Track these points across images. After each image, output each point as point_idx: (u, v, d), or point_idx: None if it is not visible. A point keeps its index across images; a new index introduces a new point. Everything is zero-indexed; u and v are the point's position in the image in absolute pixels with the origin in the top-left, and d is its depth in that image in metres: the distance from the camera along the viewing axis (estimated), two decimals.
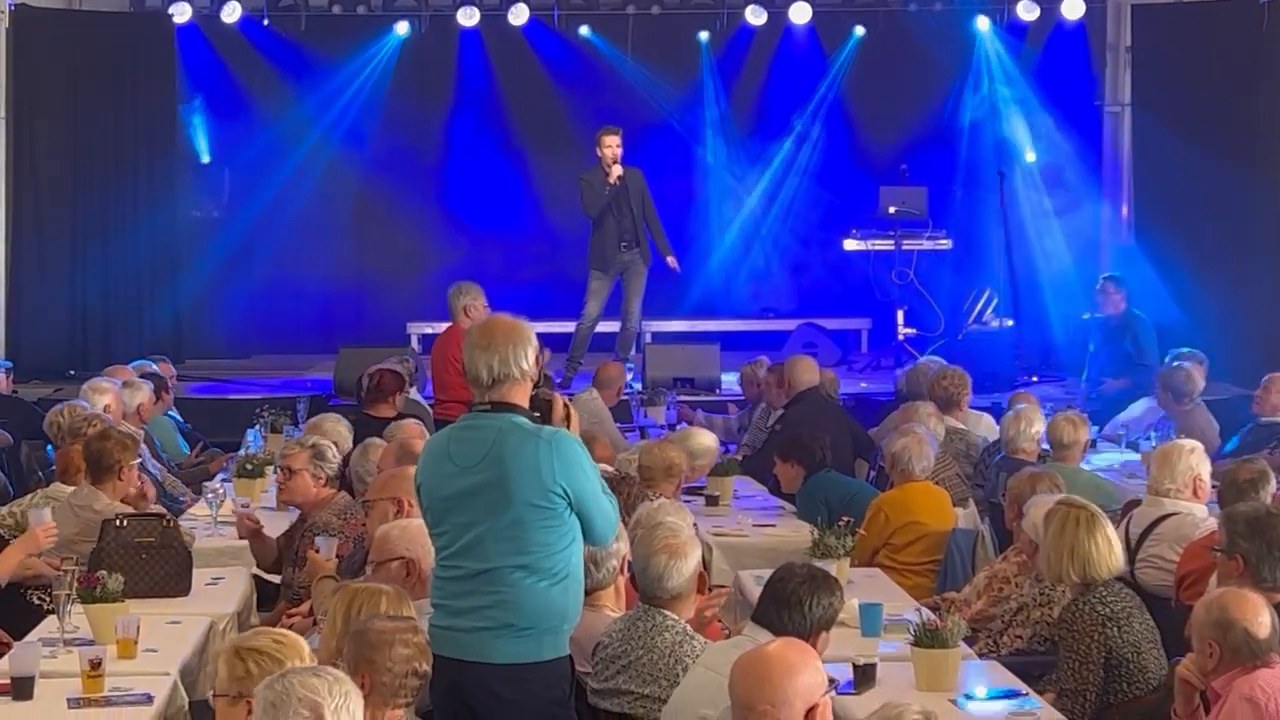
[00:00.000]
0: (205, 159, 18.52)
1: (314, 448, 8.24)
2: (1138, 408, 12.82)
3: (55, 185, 17.11)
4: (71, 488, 8.59)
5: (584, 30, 18.45)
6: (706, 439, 10.17)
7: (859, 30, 18.50)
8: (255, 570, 8.46)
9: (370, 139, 18.67)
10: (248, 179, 18.63)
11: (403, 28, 18.31)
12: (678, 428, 12.42)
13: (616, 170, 14.50)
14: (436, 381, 12.85)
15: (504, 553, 5.50)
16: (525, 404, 5.64)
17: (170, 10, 17.55)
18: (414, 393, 12.65)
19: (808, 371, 11.63)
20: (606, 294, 14.93)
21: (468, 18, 17.88)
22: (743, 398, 13.53)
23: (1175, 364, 12.31)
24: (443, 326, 16.75)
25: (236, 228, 18.62)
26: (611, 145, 14.58)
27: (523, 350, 5.62)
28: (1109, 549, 6.66)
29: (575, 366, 14.94)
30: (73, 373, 15.91)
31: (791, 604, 5.58)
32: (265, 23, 18.20)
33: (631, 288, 14.91)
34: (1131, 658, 6.51)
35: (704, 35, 18.52)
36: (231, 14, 17.69)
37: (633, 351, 15.21)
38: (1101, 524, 6.72)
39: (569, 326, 15.30)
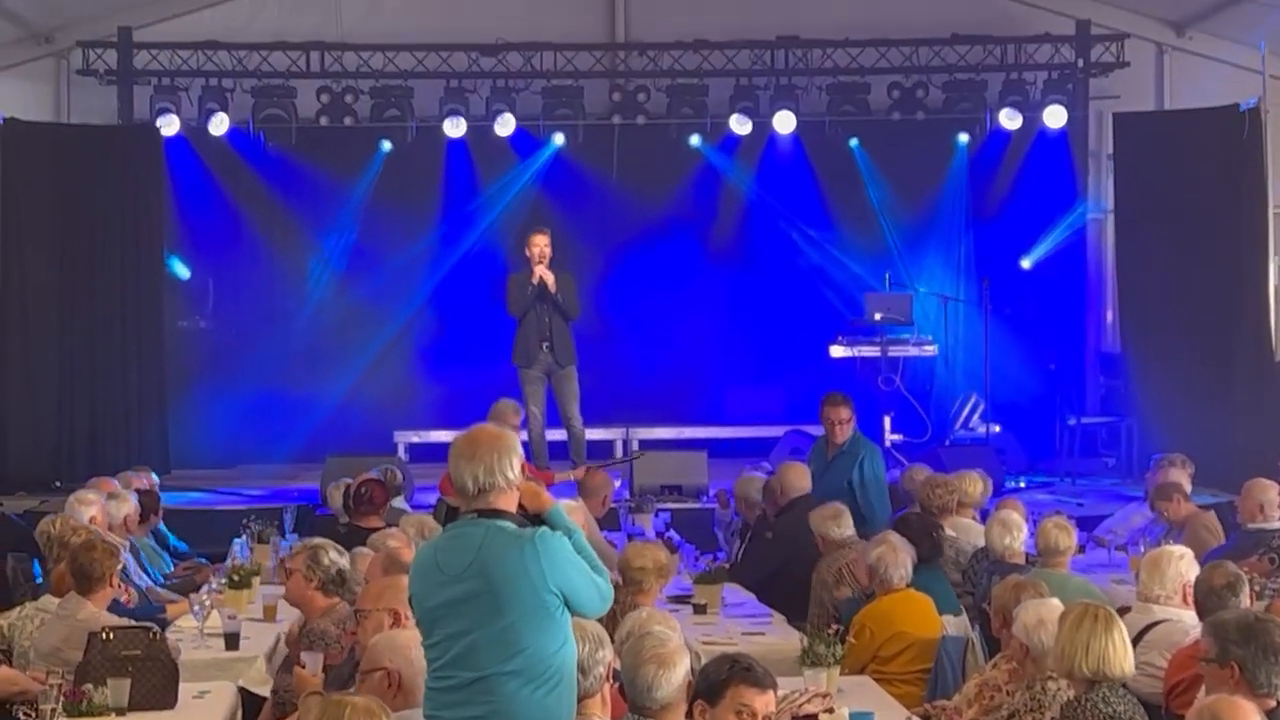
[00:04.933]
0: (186, 275, 18.55)
1: (311, 549, 8.22)
2: (1127, 513, 12.80)
3: (42, 296, 17.10)
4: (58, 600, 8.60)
5: (560, 139, 18.55)
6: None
7: (853, 141, 18.64)
8: (242, 683, 8.41)
9: (357, 248, 18.74)
10: (235, 289, 18.73)
11: (387, 145, 18.44)
12: (666, 535, 12.38)
13: (539, 270, 14.80)
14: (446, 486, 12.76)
15: (496, 660, 5.49)
16: (512, 510, 5.64)
17: (158, 123, 17.66)
18: (401, 502, 12.60)
19: (800, 478, 11.60)
20: (542, 394, 15.08)
21: (454, 128, 18.01)
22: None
23: (1160, 466, 12.34)
24: (432, 435, 16.85)
25: (223, 338, 18.70)
26: (538, 244, 14.97)
27: (508, 460, 5.63)
28: (1124, 650, 6.68)
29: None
30: (59, 484, 15.89)
31: None
32: (256, 136, 18.29)
33: (564, 392, 15.07)
34: None
35: (695, 139, 18.64)
36: (219, 126, 17.80)
37: (584, 455, 15.21)
38: (1117, 624, 6.74)
39: (559, 435, 15.29)
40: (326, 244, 18.72)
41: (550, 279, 14.82)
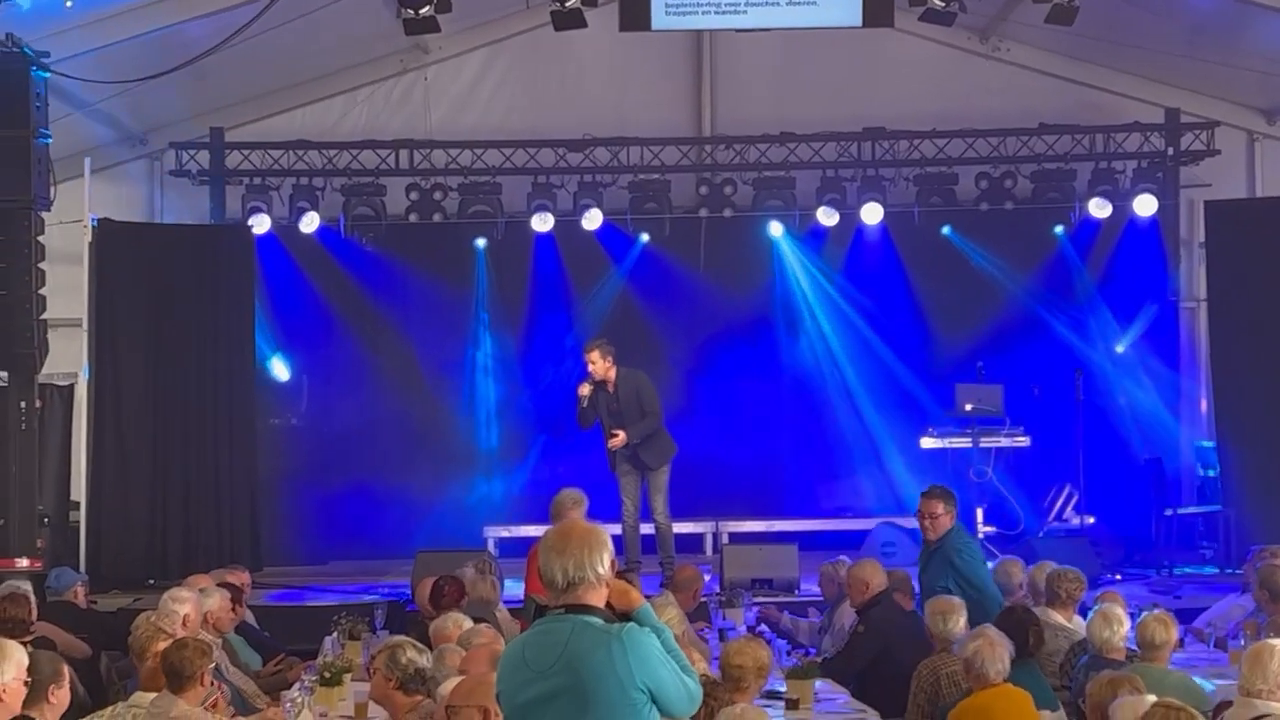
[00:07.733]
0: (285, 378, 18.69)
1: (389, 649, 8.22)
2: (1225, 605, 12.59)
3: (135, 394, 17.20)
4: (153, 694, 8.60)
5: (645, 238, 18.63)
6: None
7: (946, 229, 18.60)
8: None
9: (447, 343, 18.83)
10: (326, 386, 18.84)
11: (482, 242, 18.58)
12: (757, 630, 12.27)
13: (583, 390, 14.91)
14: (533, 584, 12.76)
15: None
16: (601, 606, 5.59)
17: (250, 221, 17.84)
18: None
19: (876, 574, 11.49)
20: (634, 486, 15.06)
21: (542, 224, 18.09)
22: (821, 598, 13.38)
23: (1275, 562, 12.09)
24: (521, 530, 16.80)
25: (314, 435, 18.79)
26: (588, 360, 15.05)
27: (598, 555, 5.57)
28: None
29: (634, 566, 14.86)
30: (152, 582, 15.94)
31: None
32: (348, 234, 18.43)
33: (651, 488, 15.10)
34: None
35: (776, 230, 18.63)
36: (310, 224, 17.96)
37: (671, 550, 15.16)
38: None
39: (647, 528, 15.26)
40: (416, 339, 18.81)
41: (585, 394, 14.93)
